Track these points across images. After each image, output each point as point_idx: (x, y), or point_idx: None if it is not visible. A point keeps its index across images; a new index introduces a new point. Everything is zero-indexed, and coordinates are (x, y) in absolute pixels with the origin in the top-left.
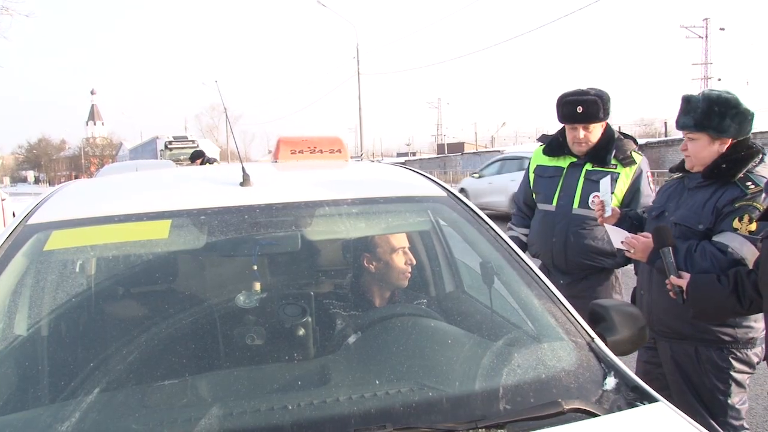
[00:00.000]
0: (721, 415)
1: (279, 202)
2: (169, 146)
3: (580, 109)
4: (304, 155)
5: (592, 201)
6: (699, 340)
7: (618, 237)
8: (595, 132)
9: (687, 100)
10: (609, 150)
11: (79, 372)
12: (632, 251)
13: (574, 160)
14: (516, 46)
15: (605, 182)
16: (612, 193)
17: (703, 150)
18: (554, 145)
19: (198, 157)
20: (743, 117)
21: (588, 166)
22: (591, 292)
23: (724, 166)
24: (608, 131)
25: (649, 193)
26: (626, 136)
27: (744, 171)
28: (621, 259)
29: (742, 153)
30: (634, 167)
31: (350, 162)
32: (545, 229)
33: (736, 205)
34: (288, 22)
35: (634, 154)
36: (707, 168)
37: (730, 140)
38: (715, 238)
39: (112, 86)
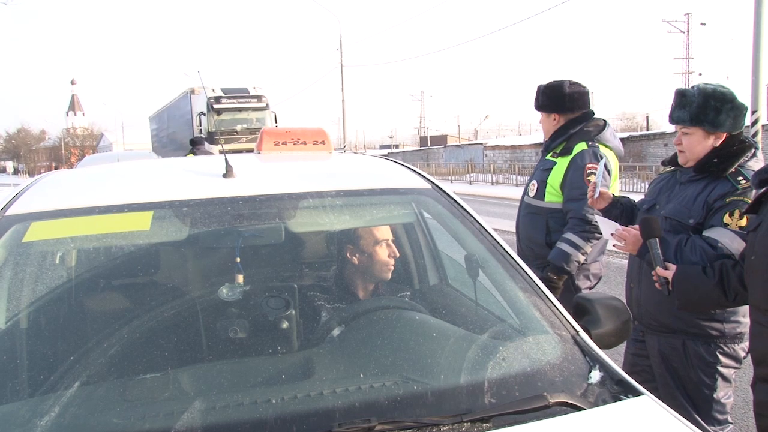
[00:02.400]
0: (706, 409)
1: (262, 193)
2: (215, 106)
3: (534, 97)
4: (288, 147)
5: (531, 189)
6: (687, 334)
7: (608, 228)
8: (546, 121)
9: (682, 94)
10: (553, 140)
11: (59, 365)
12: (622, 243)
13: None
14: (499, 39)
15: (600, 165)
16: (546, 181)
17: (698, 144)
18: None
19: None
20: (738, 111)
21: (548, 156)
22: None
23: (715, 160)
24: (569, 124)
25: (578, 185)
26: (600, 127)
27: (736, 165)
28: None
29: (734, 147)
30: (569, 158)
31: (334, 154)
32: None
33: (727, 201)
34: (271, 13)
35: (577, 146)
36: (699, 162)
37: (725, 135)
38: (706, 233)
39: (93, 77)
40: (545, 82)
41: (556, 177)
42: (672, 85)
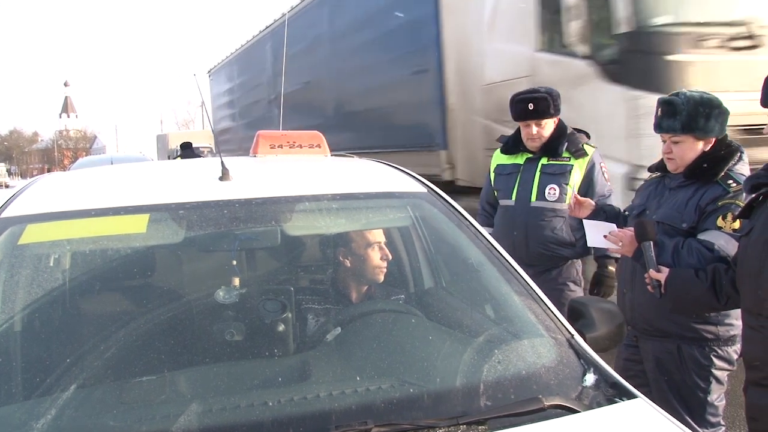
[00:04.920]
0: (699, 412)
1: (258, 196)
2: None
3: (531, 106)
4: (284, 150)
5: (549, 193)
6: (682, 337)
7: (598, 232)
8: (547, 127)
9: (669, 103)
10: (561, 143)
11: (55, 368)
12: (619, 245)
13: (530, 155)
14: None
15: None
16: (567, 184)
17: (690, 151)
18: (510, 143)
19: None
20: (725, 116)
21: (544, 160)
22: (553, 285)
23: (705, 165)
24: (560, 126)
25: (603, 183)
26: (579, 131)
27: (726, 170)
28: (580, 249)
29: (722, 152)
30: (587, 158)
31: (329, 157)
32: (506, 223)
33: (719, 204)
34: (267, 13)
35: (586, 147)
36: (689, 167)
37: (713, 140)
38: (701, 236)
39: (86, 78)
40: (523, 91)
41: (576, 179)
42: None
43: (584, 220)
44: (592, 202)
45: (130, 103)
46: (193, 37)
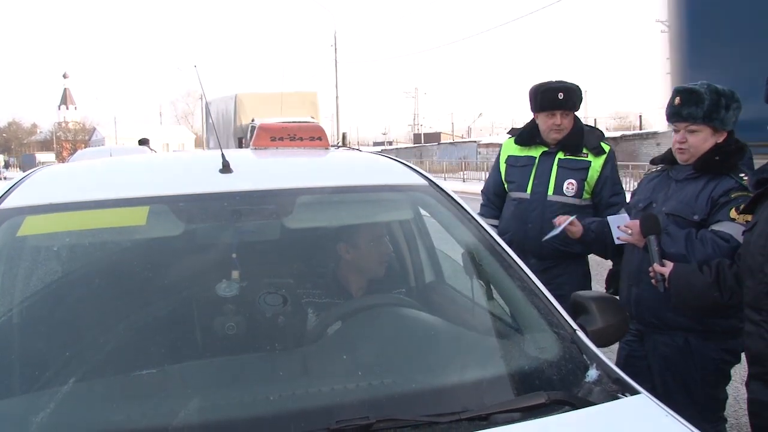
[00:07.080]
0: (704, 406)
1: (259, 189)
2: None
3: (561, 96)
4: (284, 143)
5: (567, 187)
6: (690, 330)
7: (618, 224)
8: (569, 120)
9: (692, 92)
10: (581, 139)
11: (54, 361)
12: (629, 232)
13: (546, 149)
14: (493, 37)
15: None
16: (585, 180)
17: (705, 142)
18: (525, 135)
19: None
20: (739, 111)
21: (560, 155)
22: (562, 280)
23: (717, 158)
24: (578, 122)
25: (617, 181)
26: (591, 127)
27: (737, 163)
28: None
29: (732, 146)
30: (604, 156)
31: (330, 150)
32: (520, 216)
33: (732, 196)
34: (264, 7)
35: (602, 145)
36: (700, 159)
37: (725, 133)
38: (716, 228)
39: (85, 70)
40: (550, 80)
41: (593, 175)
42: (664, 85)
43: (608, 218)
44: (581, 226)
45: (129, 95)
46: (191, 30)
